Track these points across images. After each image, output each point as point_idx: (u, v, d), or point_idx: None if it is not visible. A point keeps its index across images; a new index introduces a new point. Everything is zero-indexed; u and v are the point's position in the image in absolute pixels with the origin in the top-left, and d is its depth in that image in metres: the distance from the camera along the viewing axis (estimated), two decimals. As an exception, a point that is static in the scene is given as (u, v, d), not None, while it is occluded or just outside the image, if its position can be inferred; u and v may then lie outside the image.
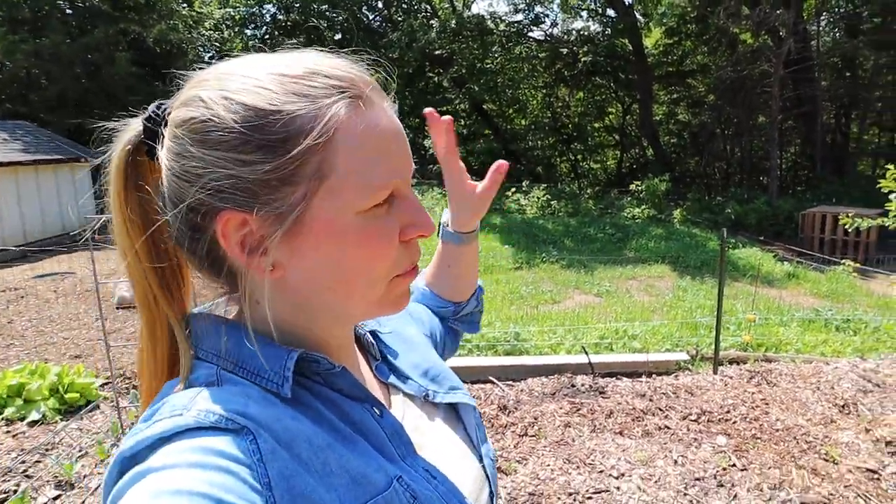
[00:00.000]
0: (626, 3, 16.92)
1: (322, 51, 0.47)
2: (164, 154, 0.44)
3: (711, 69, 16.59)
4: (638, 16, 17.31)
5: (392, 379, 0.57)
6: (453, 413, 0.59)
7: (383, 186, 0.44)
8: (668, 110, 20.14)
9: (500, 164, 0.65)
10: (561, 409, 3.30)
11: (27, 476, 2.65)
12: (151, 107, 0.46)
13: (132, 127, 0.48)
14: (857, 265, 7.53)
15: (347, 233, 0.43)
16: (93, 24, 13.55)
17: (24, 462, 2.76)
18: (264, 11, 19.55)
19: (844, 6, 15.19)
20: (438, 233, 0.74)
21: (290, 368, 0.44)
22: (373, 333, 0.60)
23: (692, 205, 13.62)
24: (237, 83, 0.42)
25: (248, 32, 19.39)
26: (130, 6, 14.14)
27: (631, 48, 17.14)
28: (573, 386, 3.66)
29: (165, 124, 0.45)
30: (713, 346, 3.94)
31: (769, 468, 2.67)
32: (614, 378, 3.81)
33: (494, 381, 3.76)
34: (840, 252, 9.57)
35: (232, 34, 18.33)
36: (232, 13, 18.37)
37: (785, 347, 4.49)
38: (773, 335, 4.73)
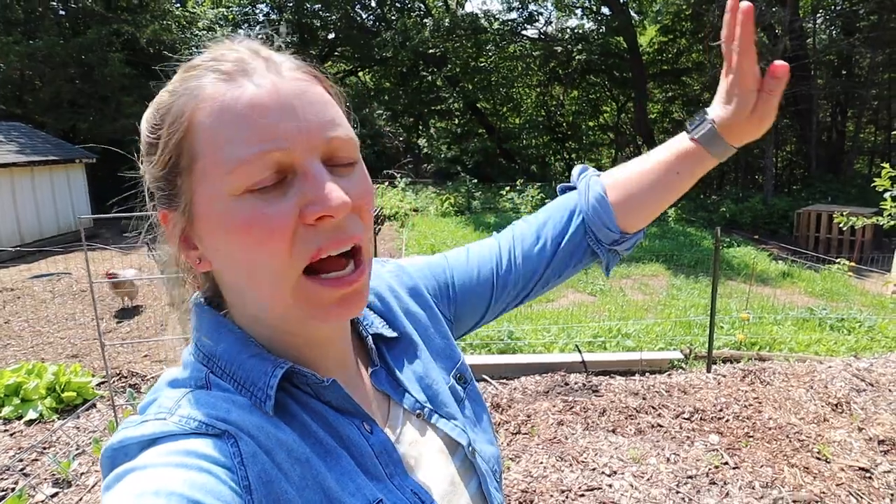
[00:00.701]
0: (621, 1, 16.95)
1: (252, 38, 0.47)
2: None
3: (706, 67, 16.60)
4: (632, 13, 17.33)
5: (388, 389, 0.54)
6: (450, 439, 0.55)
7: (250, 160, 0.38)
8: (662, 108, 20.19)
9: (777, 67, 0.55)
10: (554, 407, 3.28)
11: (25, 474, 2.68)
12: None
13: None
14: (852, 264, 7.54)
15: (226, 218, 0.40)
16: (86, 25, 13.49)
17: (21, 460, 2.78)
18: (257, 11, 19.50)
19: (840, 4, 15.23)
20: (689, 128, 0.62)
21: (274, 387, 0.43)
22: (378, 336, 0.56)
23: (686, 203, 13.64)
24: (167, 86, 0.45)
25: (241, 32, 19.26)
26: (123, 7, 14.08)
27: (625, 46, 17.16)
28: (566, 384, 3.64)
29: None
30: (707, 345, 3.93)
31: (761, 466, 2.66)
32: (608, 376, 3.80)
33: (488, 379, 3.75)
34: (835, 251, 9.60)
35: (225, 34, 18.23)
36: (225, 13, 18.31)
37: (779, 346, 4.48)
38: (767, 334, 4.72)
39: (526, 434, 3.02)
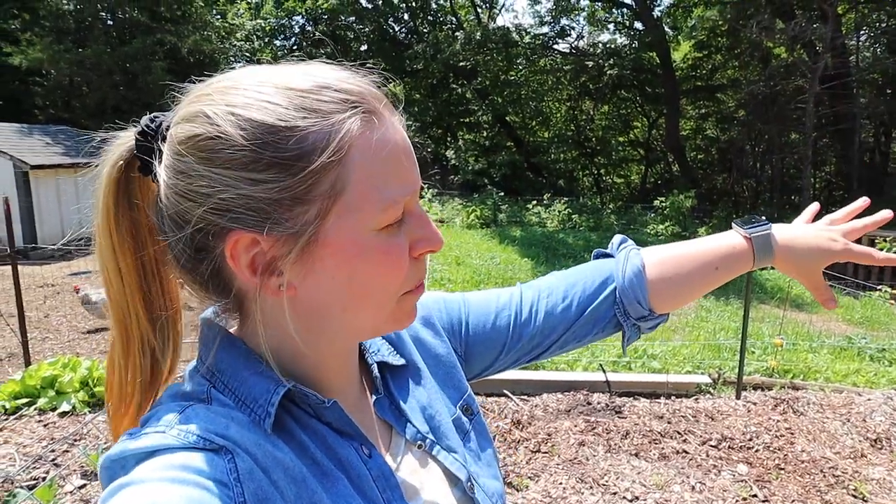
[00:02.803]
0: (655, 16, 16.82)
1: (327, 63, 0.45)
2: (163, 171, 0.42)
3: (742, 84, 16.27)
4: (666, 29, 17.16)
5: (390, 418, 0.54)
6: (449, 471, 0.54)
7: (398, 202, 0.43)
8: (695, 125, 19.83)
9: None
10: (576, 426, 3.22)
11: (56, 464, 2.77)
12: (144, 120, 0.44)
13: (123, 140, 0.46)
14: (894, 292, 7.20)
15: (363, 251, 0.42)
16: (132, 35, 14.18)
17: (53, 451, 2.88)
18: (293, 23, 20.10)
19: (886, 21, 14.74)
20: (742, 224, 0.65)
21: (275, 404, 0.43)
22: (383, 364, 0.56)
23: (718, 223, 13.31)
24: (243, 98, 0.40)
25: (278, 43, 19.95)
26: (167, 18, 14.75)
27: (658, 62, 17.00)
28: (589, 403, 3.57)
29: (162, 139, 0.43)
30: (737, 370, 3.80)
31: (793, 501, 2.55)
32: (632, 398, 3.71)
33: (508, 394, 3.71)
34: (876, 278, 9.18)
35: (262, 44, 18.88)
36: (262, 24, 18.94)
37: (814, 375, 4.30)
38: (802, 361, 4.54)
39: (546, 453, 2.97)
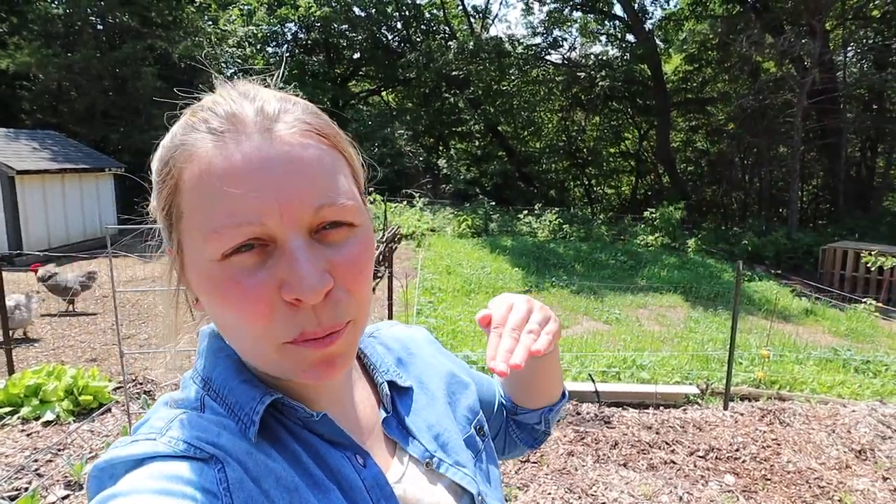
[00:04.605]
0: (647, 29, 17.06)
1: (268, 77, 0.46)
2: None
3: (732, 97, 16.50)
4: (658, 42, 17.41)
5: (397, 436, 0.53)
6: (457, 486, 0.53)
7: (220, 232, 0.38)
8: (685, 137, 20.07)
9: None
10: (565, 436, 3.22)
11: (38, 475, 2.71)
12: None
13: None
14: (879, 305, 7.30)
15: (206, 279, 0.40)
16: (122, 40, 14.09)
17: (36, 461, 2.83)
18: (286, 30, 20.12)
19: (873, 38, 15.07)
20: None
21: (259, 413, 0.43)
22: (391, 384, 0.56)
23: (707, 234, 13.43)
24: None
25: (270, 50, 19.95)
26: (158, 23, 14.69)
27: (649, 74, 17.21)
28: (578, 413, 3.57)
29: None
30: (724, 381, 3.83)
31: (779, 513, 2.56)
32: (620, 408, 3.72)
33: (497, 405, 3.70)
34: (861, 290, 9.30)
35: (254, 51, 18.88)
36: (255, 31, 18.93)
37: (800, 386, 4.34)
38: (788, 373, 4.58)
39: (535, 463, 2.96)
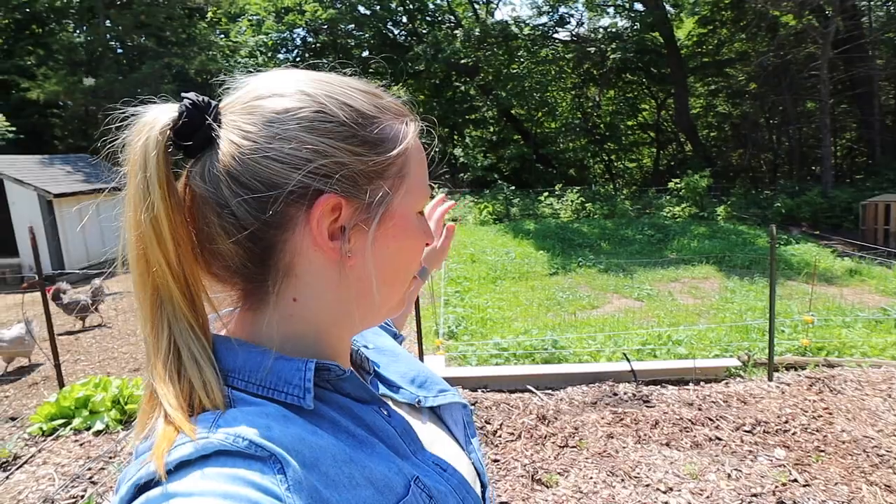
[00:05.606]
0: (656, -4, 16.48)
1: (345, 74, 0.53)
2: (237, 138, 0.44)
3: (751, 56, 15.87)
4: (668, 7, 16.81)
5: (383, 390, 0.59)
6: (437, 417, 0.62)
7: (429, 193, 0.53)
8: (705, 103, 19.43)
9: (449, 228, 0.82)
10: (603, 418, 3.16)
11: (92, 482, 2.84)
12: (192, 95, 0.45)
13: (158, 114, 0.45)
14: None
15: (411, 228, 0.50)
16: (141, 61, 14.48)
17: (90, 469, 2.96)
18: (294, 35, 20.25)
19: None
20: None
21: (311, 379, 0.44)
22: (365, 347, 0.62)
23: (737, 200, 13.00)
24: (336, 88, 0.48)
25: (281, 57, 20.12)
26: (174, 41, 15.01)
27: (662, 41, 16.68)
28: (615, 394, 3.50)
29: (216, 113, 0.45)
30: (767, 351, 3.69)
31: (836, 484, 2.45)
32: (659, 386, 3.63)
33: (533, 389, 3.66)
34: (907, 243, 8.87)
35: (266, 59, 19.08)
36: (265, 40, 19.12)
37: (849, 351, 4.15)
38: (835, 338, 4.39)
39: (574, 447, 2.91)
